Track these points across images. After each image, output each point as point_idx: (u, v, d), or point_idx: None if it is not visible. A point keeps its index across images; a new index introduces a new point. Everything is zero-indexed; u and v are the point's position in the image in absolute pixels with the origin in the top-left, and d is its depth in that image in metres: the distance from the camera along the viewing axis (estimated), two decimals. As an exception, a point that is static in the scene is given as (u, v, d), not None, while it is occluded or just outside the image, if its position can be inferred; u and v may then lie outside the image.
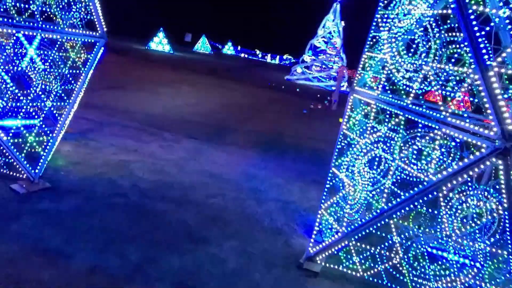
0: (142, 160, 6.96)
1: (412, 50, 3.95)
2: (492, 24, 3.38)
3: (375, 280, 4.28)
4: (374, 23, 4.37)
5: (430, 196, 3.49)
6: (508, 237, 3.48)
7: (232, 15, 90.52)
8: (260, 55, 78.39)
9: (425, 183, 3.53)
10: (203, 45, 57.02)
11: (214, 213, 5.48)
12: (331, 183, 4.68)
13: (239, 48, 79.03)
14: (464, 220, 3.69)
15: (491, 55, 3.21)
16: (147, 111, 11.13)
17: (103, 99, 10.79)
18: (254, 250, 4.72)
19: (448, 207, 3.59)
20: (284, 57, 74.64)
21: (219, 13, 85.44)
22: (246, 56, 75.25)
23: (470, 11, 3.17)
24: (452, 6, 3.26)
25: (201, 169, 7.13)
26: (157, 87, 15.89)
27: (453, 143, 3.60)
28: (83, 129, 7.80)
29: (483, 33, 3.18)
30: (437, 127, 3.61)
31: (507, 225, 3.42)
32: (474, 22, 3.16)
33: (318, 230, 4.62)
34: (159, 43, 40.80)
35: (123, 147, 7.47)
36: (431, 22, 3.69)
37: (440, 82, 3.58)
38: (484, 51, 3.14)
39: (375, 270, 4.21)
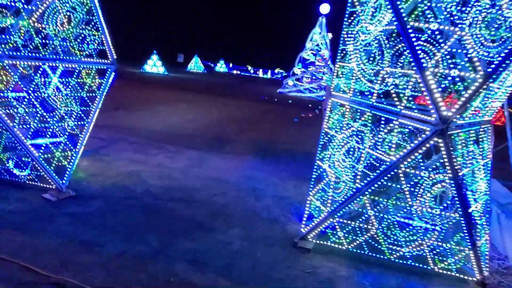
0: (150, 169, 7.80)
1: (371, 58, 4.88)
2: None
3: (358, 251, 5.09)
4: (341, 39, 5.31)
5: (392, 173, 4.36)
6: (457, 201, 4.35)
7: (222, 34, 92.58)
8: (252, 71, 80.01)
9: (387, 163, 4.40)
10: (196, 65, 58.40)
11: (218, 209, 6.31)
12: (316, 174, 5.54)
13: (231, 65, 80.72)
14: (421, 191, 4.53)
15: (427, 59, 4.13)
16: (149, 127, 12.01)
17: (110, 119, 11.65)
18: (255, 235, 5.53)
19: (407, 181, 4.46)
20: (276, 71, 76.23)
21: (209, 32, 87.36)
22: (238, 72, 76.82)
23: (408, 26, 4.11)
24: (395, 23, 4.19)
25: (203, 174, 7.97)
26: (156, 106, 16.82)
27: (407, 130, 4.48)
28: (96, 146, 8.64)
29: (419, 42, 4.11)
30: (395, 118, 4.51)
31: (454, 191, 4.29)
32: (412, 35, 4.10)
33: (308, 213, 5.46)
34: (153, 65, 41.99)
35: (132, 159, 8.32)
36: (383, 37, 4.63)
37: (393, 82, 4.49)
38: (421, 56, 4.06)
39: (357, 242, 5.02)
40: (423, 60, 4.03)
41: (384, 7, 4.47)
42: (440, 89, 3.99)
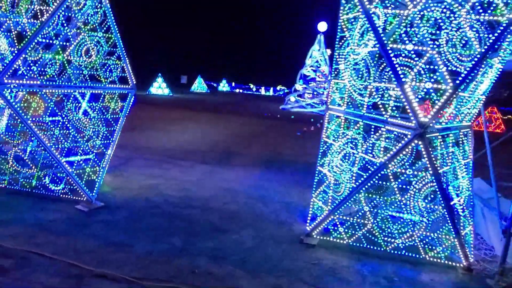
0: (167, 182, 8.54)
1: (360, 75, 5.66)
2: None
3: (357, 244, 5.75)
4: (334, 59, 6.12)
5: (381, 173, 5.07)
6: (439, 195, 5.03)
7: (224, 54, 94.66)
8: (254, 89, 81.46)
9: (377, 164, 5.12)
10: (199, 85, 59.80)
11: (231, 214, 7.00)
12: (318, 178, 6.26)
13: (233, 84, 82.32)
14: (409, 187, 5.22)
15: (406, 73, 4.90)
16: (162, 145, 12.81)
17: (125, 139, 12.42)
18: (265, 234, 6.21)
19: (395, 179, 5.17)
20: (278, 88, 77.61)
21: (211, 53, 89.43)
22: (241, 91, 78.29)
23: (388, 48, 4.90)
24: (378, 45, 4.98)
25: (215, 185, 8.70)
26: (165, 126, 17.69)
27: (393, 135, 5.21)
28: (116, 164, 9.41)
29: (401, 58, 4.89)
30: (382, 126, 5.25)
31: (436, 186, 4.99)
32: (392, 55, 4.88)
33: (312, 213, 6.14)
34: (159, 87, 43.27)
35: (150, 174, 9.08)
36: (369, 57, 5.42)
37: (379, 95, 5.26)
38: (400, 72, 4.83)
39: (356, 236, 5.69)
40: (402, 76, 4.81)
41: (367, 33, 5.27)
42: (417, 99, 4.74)
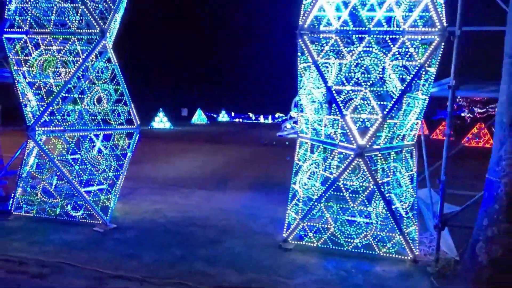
0: (169, 206, 9.88)
1: (317, 110, 7.14)
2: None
3: (325, 246, 7.03)
4: (299, 97, 7.61)
5: (335, 184, 6.44)
6: (382, 201, 6.38)
7: (222, 85, 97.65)
8: (253, 118, 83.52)
9: (332, 178, 6.50)
10: (199, 117, 61.80)
11: (225, 229, 8.31)
12: (291, 193, 7.62)
13: (232, 114, 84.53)
14: (356, 196, 6.57)
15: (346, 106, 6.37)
16: (165, 175, 14.23)
17: (132, 171, 13.80)
18: (251, 243, 7.49)
19: (346, 189, 6.54)
20: (276, 115, 79.61)
21: (210, 85, 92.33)
22: (240, 120, 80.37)
23: (332, 88, 6.39)
24: (324, 87, 6.50)
25: (212, 207, 10.03)
26: (167, 158, 19.18)
27: (342, 155, 6.61)
28: (125, 193, 10.79)
29: (340, 97, 6.37)
30: (335, 148, 6.66)
31: (378, 194, 6.34)
32: (335, 94, 6.37)
33: (288, 223, 7.46)
34: (160, 121, 45.13)
35: (154, 200, 10.44)
36: (322, 95, 6.92)
37: (331, 124, 6.72)
38: (342, 107, 6.30)
39: (323, 239, 6.99)
40: (343, 109, 6.28)
41: (317, 77, 6.79)
42: (357, 127, 6.19)
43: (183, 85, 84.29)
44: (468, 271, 5.64)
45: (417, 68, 6.13)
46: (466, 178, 13.32)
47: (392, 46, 6.32)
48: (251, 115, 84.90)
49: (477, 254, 5.51)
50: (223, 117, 78.61)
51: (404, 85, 6.13)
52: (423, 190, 8.23)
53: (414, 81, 6.24)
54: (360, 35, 6.40)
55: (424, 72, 6.39)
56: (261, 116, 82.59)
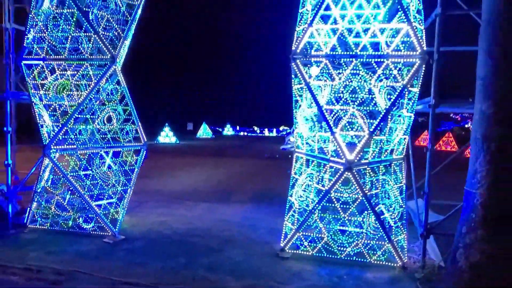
0: (175, 219, 10.41)
1: (310, 127, 7.71)
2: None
3: (319, 254, 7.50)
4: (294, 116, 8.18)
5: (327, 196, 6.95)
6: (371, 211, 6.87)
7: (227, 99, 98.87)
8: (258, 131, 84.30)
9: (324, 190, 7.02)
10: (204, 131, 62.63)
11: (226, 239, 8.81)
12: (288, 205, 8.13)
13: (237, 128, 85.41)
14: (347, 206, 7.06)
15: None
16: (170, 189, 14.79)
17: (138, 186, 14.38)
18: (251, 252, 7.98)
19: (337, 200, 7.05)
20: (281, 128, 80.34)
21: (215, 100, 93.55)
22: (245, 134, 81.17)
23: (323, 108, 6.97)
24: (316, 107, 7.07)
25: (215, 218, 10.55)
26: (173, 172, 19.77)
27: (333, 169, 7.14)
28: (133, 206, 11.33)
29: (330, 116, 6.93)
30: (327, 163, 7.20)
31: (367, 204, 6.84)
32: (326, 114, 6.93)
33: (285, 233, 7.95)
34: (166, 136, 45.95)
35: (160, 213, 10.99)
36: (313, 115, 7.49)
37: (322, 141, 7.27)
38: (332, 125, 6.86)
39: (317, 248, 7.46)
40: (333, 127, 6.84)
41: (309, 97, 7.37)
42: (345, 143, 6.73)
43: (188, 100, 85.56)
44: (450, 276, 6.09)
45: (400, 88, 6.70)
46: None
47: (377, 68, 6.90)
48: (256, 128, 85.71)
49: (457, 260, 5.96)
50: (228, 130, 79.46)
51: (389, 104, 6.68)
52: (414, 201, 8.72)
53: (398, 100, 6.80)
54: (348, 59, 7.00)
55: (407, 92, 6.95)
56: (266, 130, 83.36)
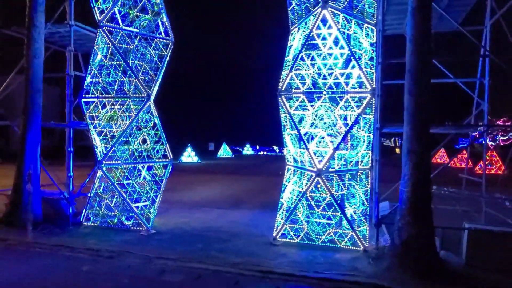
0: (194, 220, 13.02)
1: (292, 144, 10.23)
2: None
3: (302, 241, 9.88)
4: (284, 138, 10.75)
5: (304, 195, 9.39)
6: (336, 207, 9.27)
7: (247, 121, 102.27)
8: (277, 150, 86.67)
9: (301, 193, 9.48)
10: (224, 151, 65.67)
11: (233, 233, 11.30)
12: (280, 205, 10.60)
13: (257, 147, 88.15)
14: (318, 203, 9.46)
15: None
16: (191, 199, 17.49)
17: (165, 197, 17.11)
18: (251, 242, 10.42)
19: (310, 197, 9.48)
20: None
21: (235, 122, 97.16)
22: (265, 153, 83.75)
23: (302, 132, 9.52)
24: (295, 130, 9.65)
25: (226, 220, 13.09)
26: (194, 186, 22.52)
27: (309, 175, 9.60)
28: (161, 211, 13.96)
29: (307, 136, 9.46)
30: (305, 171, 9.68)
31: (333, 201, 9.25)
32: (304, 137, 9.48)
33: (276, 226, 10.40)
34: (188, 156, 49.14)
35: (182, 216, 13.63)
36: (294, 136, 10.03)
37: (302, 154, 9.78)
38: (305, 141, 9.38)
39: (300, 236, 9.85)
40: (307, 144, 9.36)
41: (291, 123, 9.92)
42: (316, 156, 9.23)
43: (210, 122, 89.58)
44: (391, 251, 8.38)
45: (356, 116, 9.19)
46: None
47: (339, 101, 9.43)
48: (275, 147, 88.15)
49: (394, 239, 8.27)
50: (247, 150, 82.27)
51: (347, 128, 9.18)
52: (385, 202, 11.02)
53: (354, 125, 9.28)
54: (318, 95, 9.57)
55: (362, 118, 9.42)
56: (285, 149, 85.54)
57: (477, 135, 12.04)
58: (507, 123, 70.21)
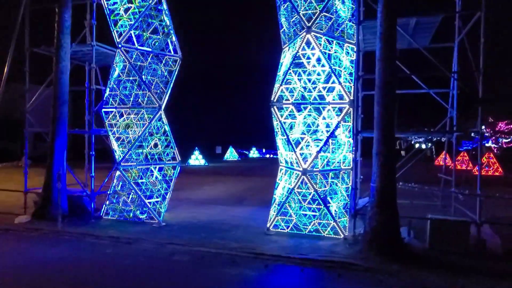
0: (199, 215, 14.72)
1: (283, 147, 11.88)
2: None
3: (292, 231, 11.50)
4: (276, 142, 12.41)
5: (292, 191, 11.02)
6: (320, 201, 10.90)
7: (253, 124, 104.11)
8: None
9: (289, 188, 11.10)
10: (231, 154, 67.40)
11: (234, 225, 12.96)
12: (273, 200, 12.24)
13: (263, 150, 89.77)
14: (304, 198, 11.06)
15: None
16: (197, 197, 19.22)
17: (174, 195, 18.92)
18: (249, 232, 12.07)
19: (298, 193, 11.10)
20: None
21: (241, 126, 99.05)
22: (271, 156, 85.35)
23: (291, 138, 11.17)
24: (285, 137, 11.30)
25: (228, 214, 14.77)
26: (201, 186, 24.27)
27: (296, 174, 11.21)
28: (170, 207, 15.72)
29: (294, 141, 11.11)
30: (293, 171, 11.31)
31: (316, 197, 10.87)
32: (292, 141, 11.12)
33: (270, 217, 12.03)
34: (196, 159, 50.96)
35: (189, 211, 15.34)
36: (284, 141, 11.68)
37: (289, 157, 11.42)
38: (293, 145, 11.02)
39: (290, 226, 11.48)
40: (295, 146, 11.00)
41: (282, 129, 11.57)
42: (301, 155, 10.86)
43: (217, 126, 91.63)
44: (363, 237, 9.97)
45: (336, 123, 10.81)
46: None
47: (322, 111, 11.06)
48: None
49: (366, 226, 9.86)
50: (253, 153, 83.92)
51: (329, 133, 10.80)
52: (365, 198, 12.61)
53: (335, 131, 10.90)
54: (304, 105, 11.22)
55: (342, 125, 11.03)
56: (278, 152, 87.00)
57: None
58: (509, 126, 70.92)
